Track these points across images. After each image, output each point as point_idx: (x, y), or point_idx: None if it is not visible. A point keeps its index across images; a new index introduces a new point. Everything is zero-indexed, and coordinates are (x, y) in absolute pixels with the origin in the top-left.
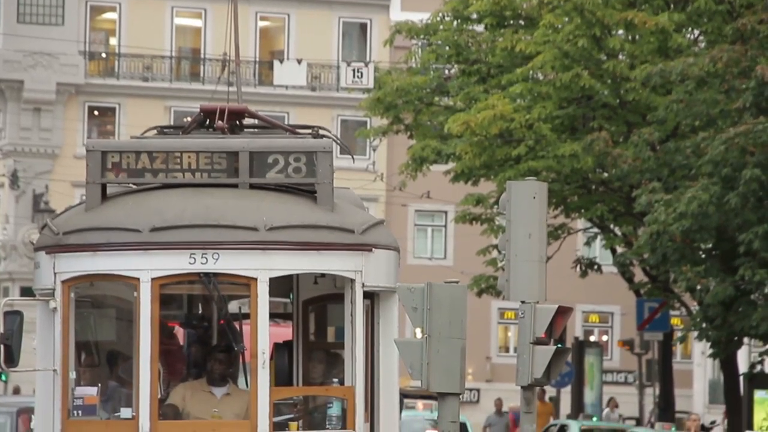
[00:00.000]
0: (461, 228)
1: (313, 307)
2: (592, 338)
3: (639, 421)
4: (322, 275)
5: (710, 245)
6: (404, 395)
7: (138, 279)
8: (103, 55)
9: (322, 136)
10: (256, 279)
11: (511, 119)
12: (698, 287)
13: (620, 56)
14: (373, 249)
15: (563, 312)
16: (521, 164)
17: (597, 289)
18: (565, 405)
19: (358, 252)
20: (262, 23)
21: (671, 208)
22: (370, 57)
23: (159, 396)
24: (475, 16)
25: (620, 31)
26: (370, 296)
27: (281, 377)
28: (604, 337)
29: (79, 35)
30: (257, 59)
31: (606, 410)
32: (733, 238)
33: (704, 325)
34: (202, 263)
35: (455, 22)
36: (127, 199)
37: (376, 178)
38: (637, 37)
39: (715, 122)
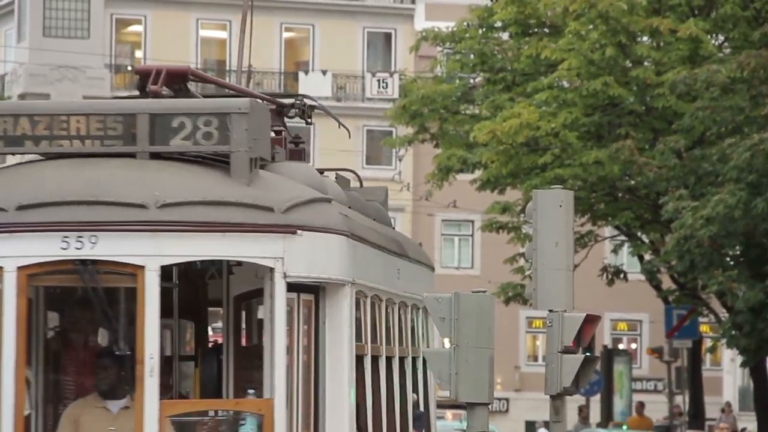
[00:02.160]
0: (488, 237)
1: (247, 303)
2: (621, 346)
3: (669, 429)
4: (238, 263)
5: (738, 251)
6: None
7: (1, 268)
8: (129, 68)
9: (305, 105)
10: (143, 267)
11: (537, 127)
12: (728, 293)
13: (646, 63)
14: (299, 231)
15: (591, 320)
16: (547, 172)
17: (625, 296)
18: (595, 413)
19: (278, 235)
20: (286, 34)
21: (698, 213)
22: (394, 67)
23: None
24: (499, 24)
25: (645, 38)
26: (314, 291)
27: (209, 388)
28: (633, 345)
29: (104, 48)
30: (282, 70)
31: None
32: (761, 244)
33: (734, 332)
34: (77, 248)
35: (480, 31)
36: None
37: (402, 188)
38: (662, 44)
39: (741, 129)
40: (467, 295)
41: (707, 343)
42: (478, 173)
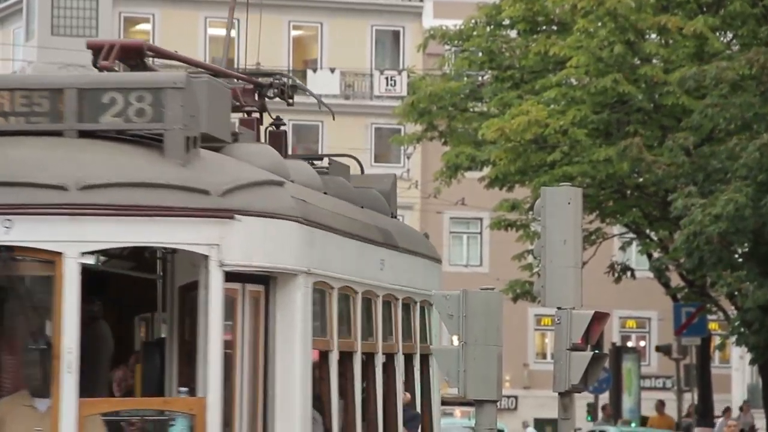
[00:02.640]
0: (497, 234)
1: (192, 295)
2: (630, 344)
3: (678, 426)
4: (174, 251)
5: (747, 248)
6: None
7: None
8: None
9: (285, 84)
10: (61, 254)
11: (546, 125)
12: (737, 292)
13: (654, 61)
14: (238, 216)
15: (600, 318)
16: (556, 170)
17: (634, 294)
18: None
19: (213, 220)
20: (295, 32)
21: (707, 210)
22: (403, 65)
23: None
24: (507, 21)
25: (653, 36)
26: (264, 282)
27: (150, 385)
28: (642, 343)
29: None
30: (290, 68)
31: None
32: None
33: (743, 330)
34: None
35: (488, 28)
36: None
37: (410, 185)
38: (670, 41)
39: (750, 126)
40: (475, 292)
41: (716, 340)
42: (486, 171)
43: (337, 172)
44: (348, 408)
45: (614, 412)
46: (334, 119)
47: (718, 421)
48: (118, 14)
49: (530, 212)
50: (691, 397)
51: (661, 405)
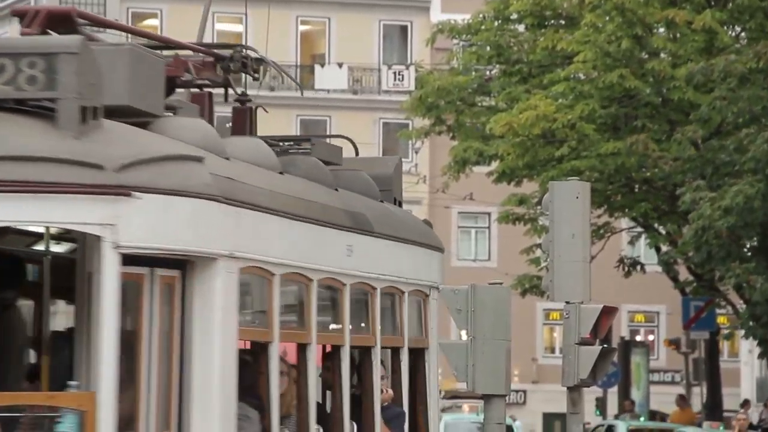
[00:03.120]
0: (505, 229)
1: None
2: (638, 338)
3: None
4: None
5: (756, 242)
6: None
7: None
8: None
9: (247, 57)
10: None
11: (554, 119)
12: (745, 285)
13: (662, 55)
14: (137, 193)
15: (608, 312)
16: (564, 164)
17: (642, 288)
18: (612, 405)
19: (107, 197)
20: (303, 27)
21: (716, 204)
22: (410, 59)
23: None
24: (515, 16)
25: (661, 30)
26: (180, 266)
27: (59, 377)
28: (650, 337)
29: (120, 41)
30: (298, 63)
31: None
32: None
33: (751, 323)
34: None
35: (496, 23)
36: None
37: (418, 180)
38: (678, 35)
39: (759, 119)
40: (484, 287)
41: (724, 332)
42: (494, 165)
43: (323, 154)
44: (301, 403)
45: (622, 406)
46: (302, 95)
47: (740, 413)
48: (126, 9)
49: (538, 207)
50: (700, 391)
51: (682, 399)
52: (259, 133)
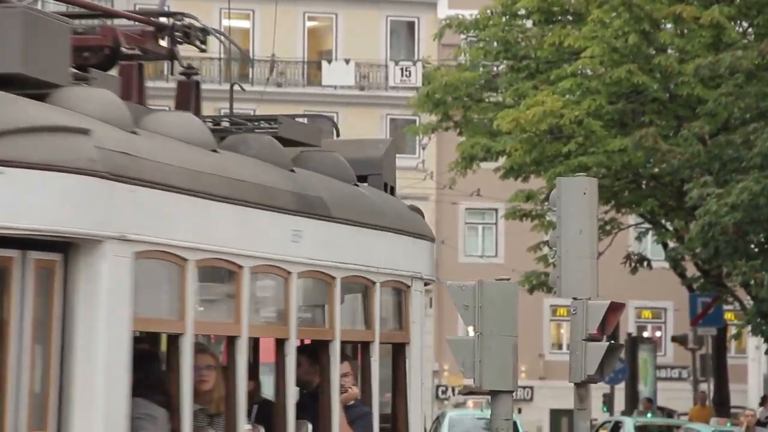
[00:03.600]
0: (512, 225)
1: None
2: (646, 334)
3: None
4: None
5: (763, 238)
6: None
7: None
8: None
9: (190, 26)
10: None
11: (561, 115)
12: (753, 281)
13: (669, 50)
14: (7, 167)
15: (615, 308)
16: (571, 160)
17: (649, 284)
18: (619, 401)
19: None
20: (309, 23)
21: (723, 200)
22: (418, 56)
23: None
24: (523, 11)
25: (668, 25)
26: (62, 249)
27: None
28: (658, 333)
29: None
30: (305, 59)
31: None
32: None
33: (758, 320)
34: None
35: (503, 18)
36: None
37: (425, 176)
38: (685, 31)
39: (766, 114)
40: (491, 283)
41: (731, 330)
42: (501, 161)
43: (293, 134)
44: (229, 401)
45: (630, 403)
46: (248, 65)
47: (758, 411)
48: (133, 6)
49: (545, 203)
50: (707, 388)
51: (702, 396)
52: None
